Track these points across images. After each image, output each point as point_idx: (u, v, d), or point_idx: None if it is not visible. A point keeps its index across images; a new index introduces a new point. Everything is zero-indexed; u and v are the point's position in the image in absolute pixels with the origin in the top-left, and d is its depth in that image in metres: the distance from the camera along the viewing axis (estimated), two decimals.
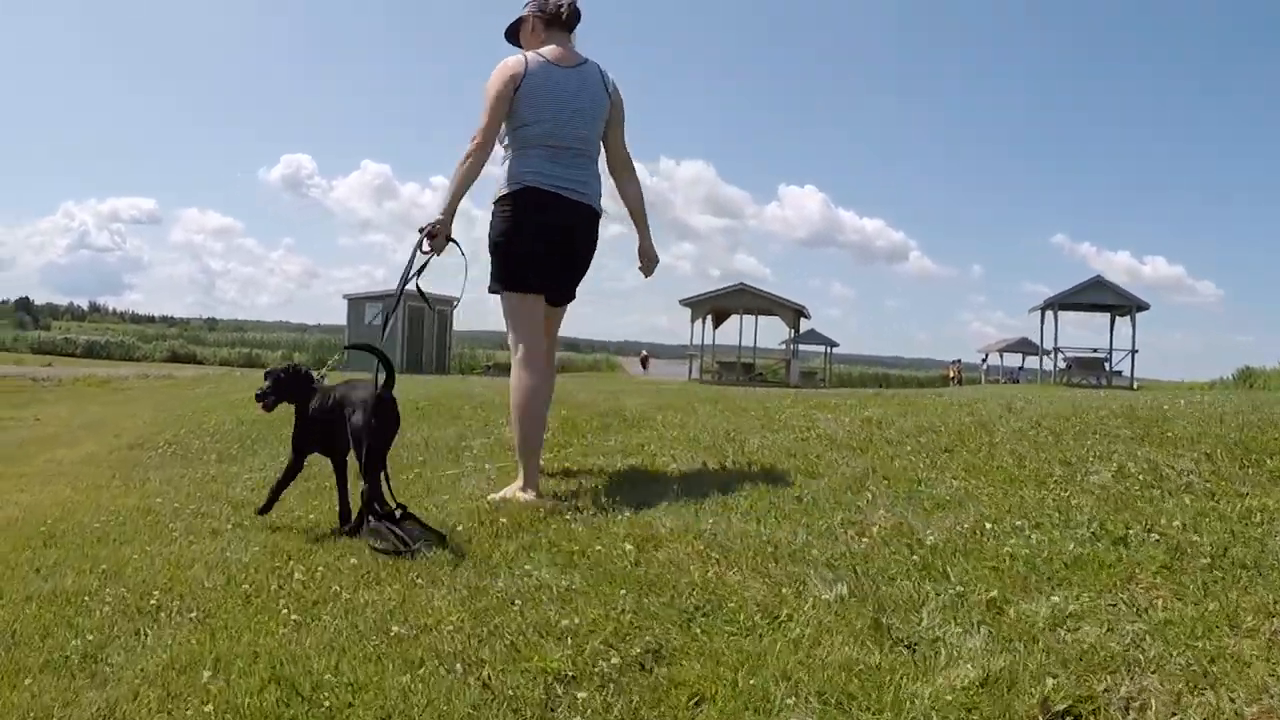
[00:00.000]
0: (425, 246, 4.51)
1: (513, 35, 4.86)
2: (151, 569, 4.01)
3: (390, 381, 4.10)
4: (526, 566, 3.51)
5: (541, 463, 4.93)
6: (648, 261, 5.04)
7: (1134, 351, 40.10)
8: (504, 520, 4.16)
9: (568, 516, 4.22)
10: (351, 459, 4.26)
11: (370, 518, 3.97)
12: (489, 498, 4.58)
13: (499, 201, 4.66)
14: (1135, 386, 35.06)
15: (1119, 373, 39.92)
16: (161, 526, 4.84)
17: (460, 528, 4.13)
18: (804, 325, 48.59)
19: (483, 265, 4.80)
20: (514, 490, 4.58)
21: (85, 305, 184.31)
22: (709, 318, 46.50)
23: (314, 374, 4.56)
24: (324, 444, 4.46)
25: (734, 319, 47.73)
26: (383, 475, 4.04)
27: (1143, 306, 40.49)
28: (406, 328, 40.96)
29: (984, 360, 58.13)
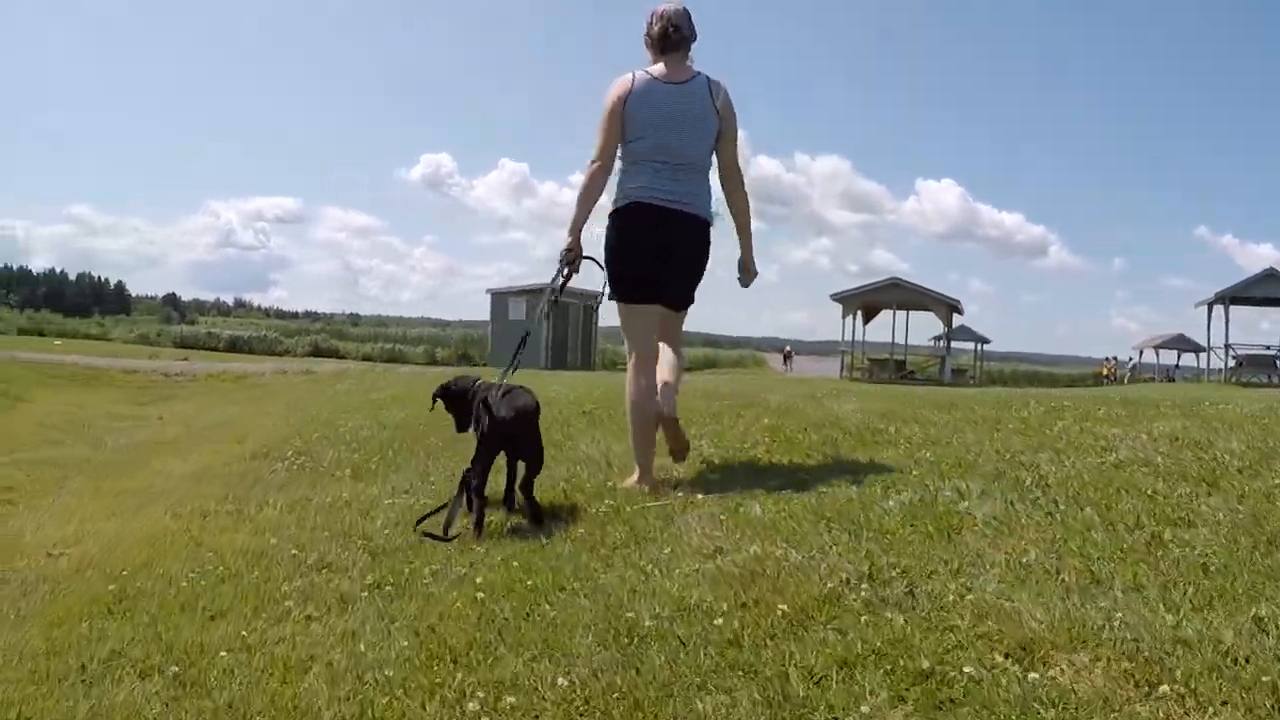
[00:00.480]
0: (565, 270, 4.78)
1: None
2: (247, 675, 2.67)
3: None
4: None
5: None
6: (747, 274, 5.13)
7: None
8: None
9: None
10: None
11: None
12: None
13: (610, 216, 4.78)
14: None
15: None
16: (272, 587, 3.50)
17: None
18: (955, 321, 46.19)
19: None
20: (631, 481, 4.73)
21: (231, 301, 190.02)
22: (859, 313, 44.36)
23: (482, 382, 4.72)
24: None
25: (884, 315, 45.42)
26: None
27: None
28: (551, 325, 39.89)
29: (1132, 358, 54.57)
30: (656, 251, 4.71)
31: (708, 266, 4.96)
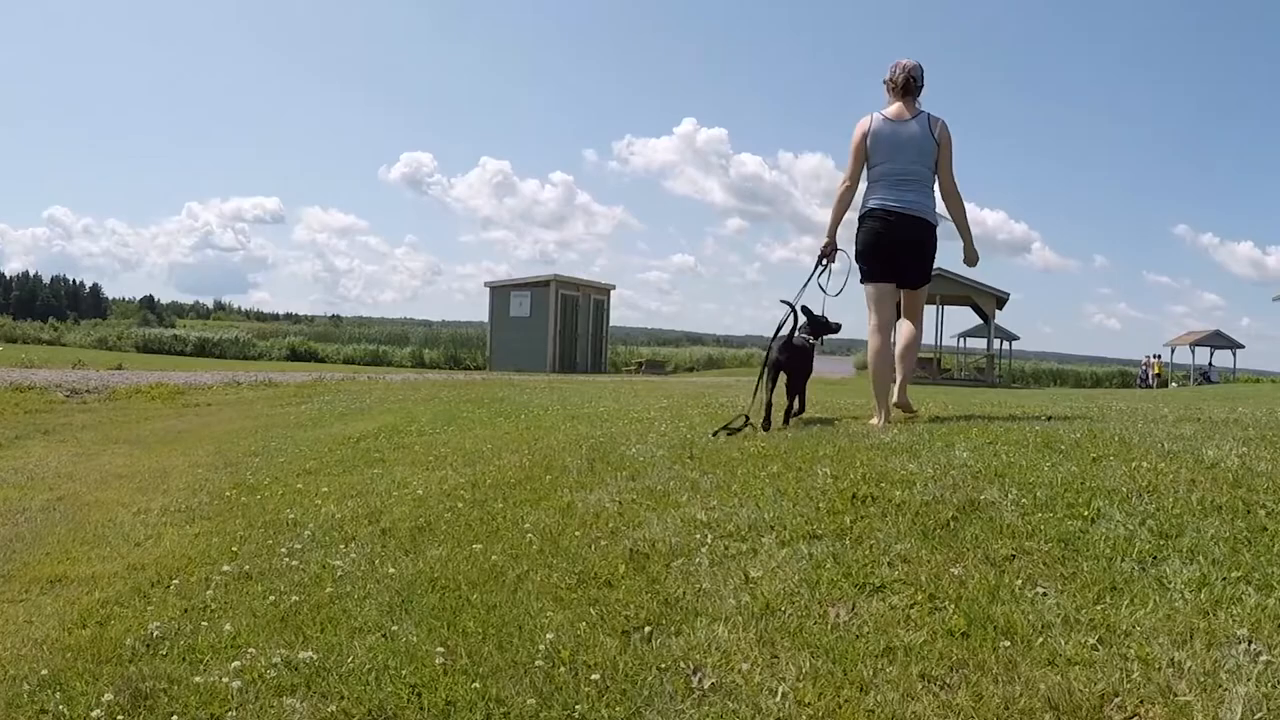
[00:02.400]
0: (824, 262, 6.71)
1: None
2: None
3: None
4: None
5: None
6: (970, 260, 6.80)
7: None
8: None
9: None
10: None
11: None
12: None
13: (858, 220, 6.55)
14: None
15: None
16: None
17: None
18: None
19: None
20: (872, 422, 6.45)
21: (210, 304, 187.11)
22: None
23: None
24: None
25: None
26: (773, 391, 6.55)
27: None
28: (559, 320, 35.85)
29: (1154, 356, 51.06)
30: (890, 244, 6.40)
31: (935, 255, 6.58)
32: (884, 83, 6.52)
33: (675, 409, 8.69)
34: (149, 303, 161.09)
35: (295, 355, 58.26)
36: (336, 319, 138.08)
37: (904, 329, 6.60)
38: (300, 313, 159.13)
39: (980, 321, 45.41)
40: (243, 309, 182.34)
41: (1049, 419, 6.33)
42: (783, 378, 6.53)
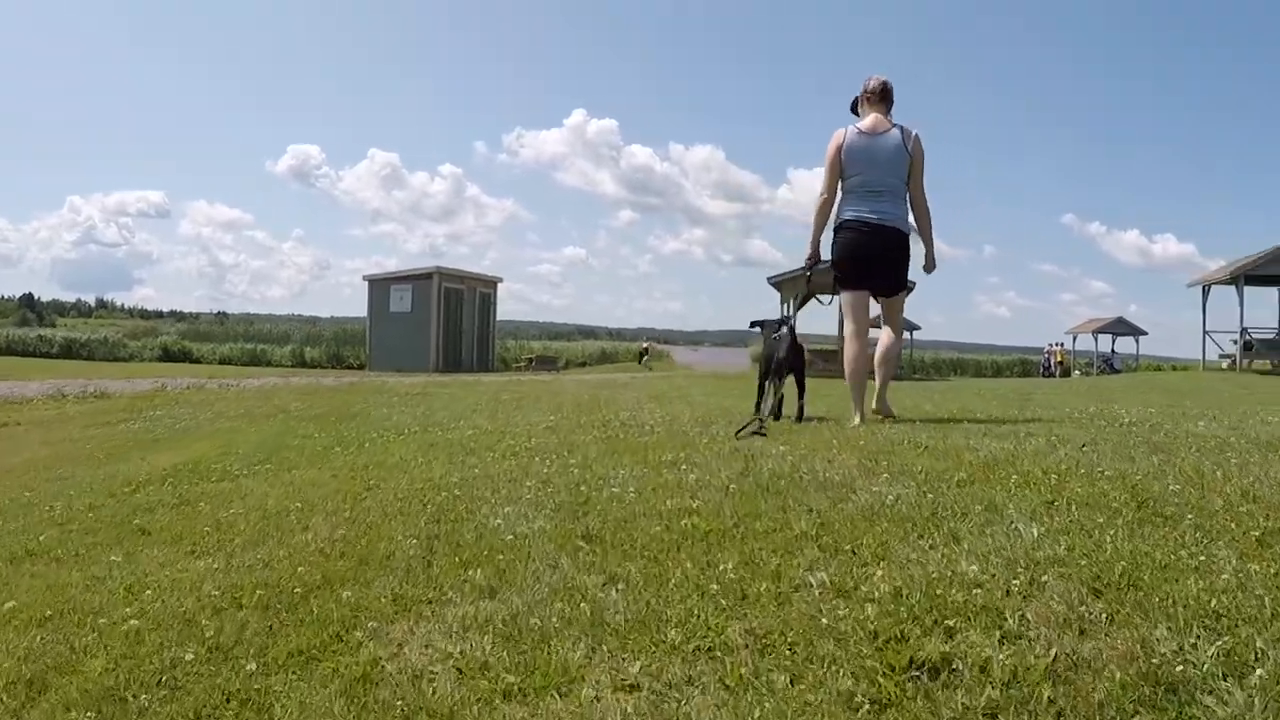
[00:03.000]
0: (809, 271, 6.90)
1: (855, 108, 6.81)
2: None
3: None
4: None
5: None
6: (928, 269, 6.91)
7: None
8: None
9: None
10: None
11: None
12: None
13: (834, 231, 6.66)
14: None
15: None
16: None
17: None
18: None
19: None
20: (853, 423, 6.41)
21: (93, 301, 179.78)
22: (794, 300, 38.63)
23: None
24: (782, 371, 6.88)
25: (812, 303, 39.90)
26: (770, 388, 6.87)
27: None
28: (443, 315, 33.59)
29: (1057, 344, 50.65)
30: (864, 254, 6.53)
31: (909, 263, 6.68)
32: (859, 96, 6.77)
33: (564, 433, 6.80)
34: (28, 301, 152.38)
35: (168, 356, 54.85)
36: (222, 316, 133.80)
37: (885, 338, 6.75)
38: (185, 310, 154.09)
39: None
40: (126, 306, 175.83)
41: (1056, 438, 4.55)
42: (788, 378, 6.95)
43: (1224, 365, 33.67)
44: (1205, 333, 34.76)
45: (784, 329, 6.99)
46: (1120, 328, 50.65)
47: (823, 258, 6.83)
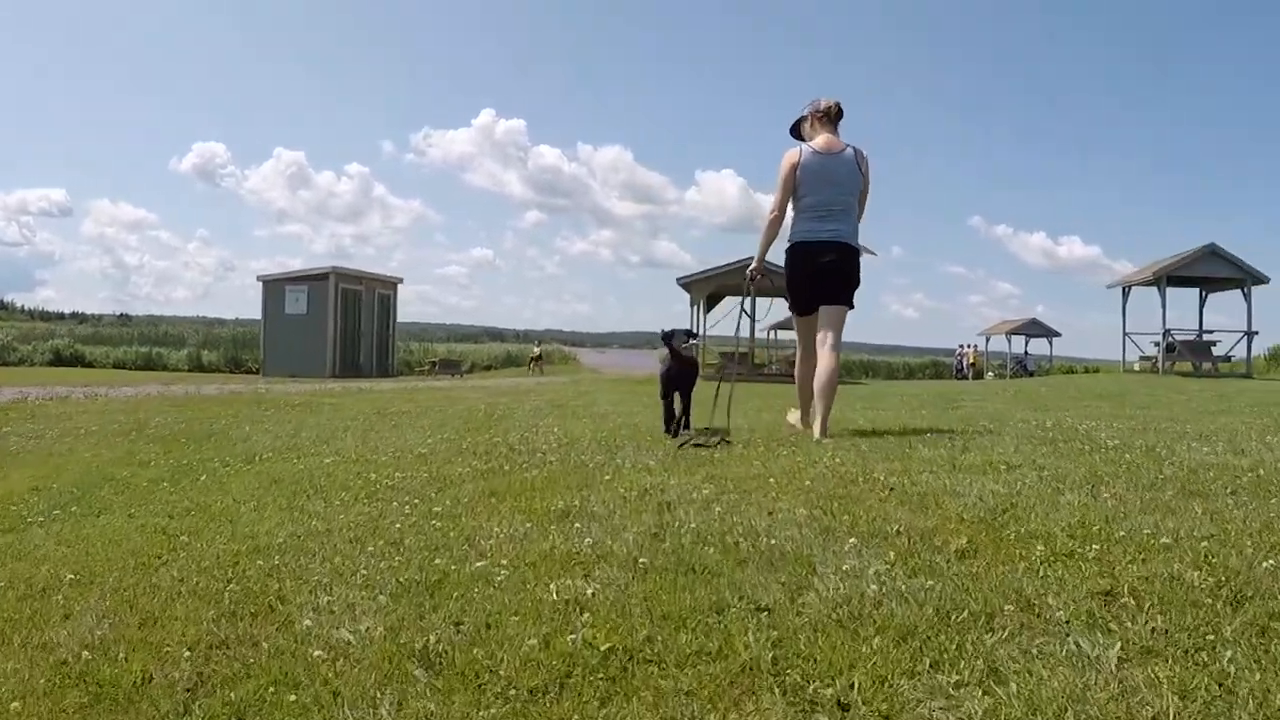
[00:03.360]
0: (751, 286, 7.29)
1: (795, 130, 6.92)
2: None
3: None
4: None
5: None
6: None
7: (1251, 333, 32.75)
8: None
9: None
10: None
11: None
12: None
13: (785, 253, 6.78)
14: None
15: (1228, 358, 33.04)
16: None
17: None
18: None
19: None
20: (793, 418, 7.23)
21: None
22: (703, 301, 37.64)
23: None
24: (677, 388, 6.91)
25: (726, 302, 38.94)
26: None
27: (1261, 280, 32.48)
28: (340, 317, 32.20)
29: (969, 346, 51.07)
30: (816, 274, 6.59)
31: (859, 279, 6.74)
32: (809, 115, 6.78)
33: (438, 463, 5.86)
34: None
35: (60, 360, 52.67)
36: (125, 318, 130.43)
37: (824, 362, 6.58)
38: (88, 311, 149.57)
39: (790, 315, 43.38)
40: (27, 308, 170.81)
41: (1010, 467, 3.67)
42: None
43: (1137, 367, 33.67)
44: (1126, 334, 34.64)
45: (692, 341, 6.98)
46: (1034, 329, 51.09)
47: (765, 272, 7.04)
